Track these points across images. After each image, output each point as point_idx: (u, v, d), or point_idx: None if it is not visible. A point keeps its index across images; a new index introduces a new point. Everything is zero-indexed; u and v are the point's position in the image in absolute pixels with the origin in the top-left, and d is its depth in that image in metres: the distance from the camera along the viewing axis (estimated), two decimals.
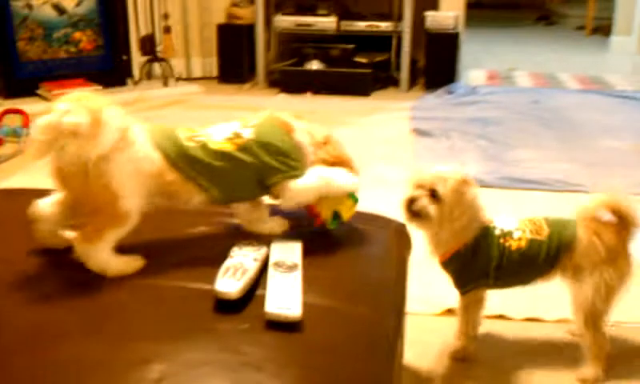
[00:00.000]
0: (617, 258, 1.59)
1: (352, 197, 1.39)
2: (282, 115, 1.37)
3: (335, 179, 1.35)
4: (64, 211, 1.24)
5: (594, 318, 1.62)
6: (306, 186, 1.32)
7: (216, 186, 1.26)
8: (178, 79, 4.88)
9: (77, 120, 1.11)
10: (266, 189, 1.33)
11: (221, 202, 1.32)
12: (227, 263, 1.15)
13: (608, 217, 1.62)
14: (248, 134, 1.29)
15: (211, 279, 1.10)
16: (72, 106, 1.12)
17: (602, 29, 7.27)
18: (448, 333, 1.81)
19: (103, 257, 1.18)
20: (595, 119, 4.05)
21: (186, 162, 1.24)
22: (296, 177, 1.31)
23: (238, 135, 1.29)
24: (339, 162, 1.39)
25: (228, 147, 1.27)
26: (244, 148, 1.28)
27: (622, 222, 1.61)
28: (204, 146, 1.26)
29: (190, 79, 5.03)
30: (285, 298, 1.07)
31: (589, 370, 1.65)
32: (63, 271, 1.19)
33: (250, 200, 1.36)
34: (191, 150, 1.24)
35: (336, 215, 1.38)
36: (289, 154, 1.32)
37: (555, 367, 1.71)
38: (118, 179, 1.16)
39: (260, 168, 1.29)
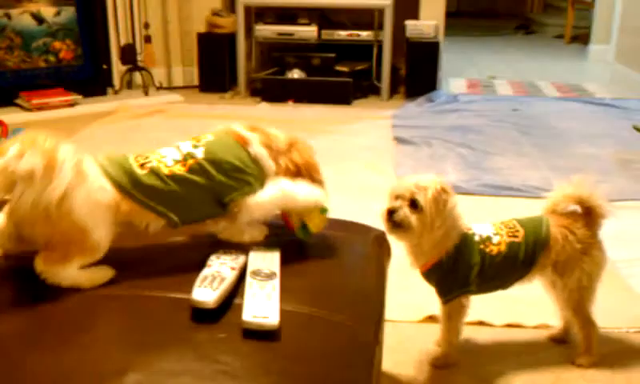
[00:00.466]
0: (590, 248, 1.66)
1: (321, 209, 1.37)
2: (237, 128, 1.35)
3: (297, 193, 1.32)
4: (4, 237, 1.21)
5: (580, 308, 1.69)
6: (264, 200, 1.30)
7: (173, 211, 1.25)
8: (159, 88, 4.87)
9: (31, 165, 1.08)
10: (225, 206, 1.30)
11: (180, 225, 1.29)
12: (204, 272, 1.14)
13: (574, 208, 1.68)
14: (200, 154, 1.27)
15: (189, 288, 1.09)
16: (24, 149, 1.09)
17: (581, 37, 7.35)
18: (429, 340, 1.81)
19: (71, 274, 1.16)
20: (574, 127, 4.09)
21: (139, 190, 1.22)
22: (252, 192, 1.29)
23: (189, 156, 1.27)
24: (303, 169, 1.36)
25: (179, 170, 1.25)
26: (196, 169, 1.26)
27: (590, 214, 1.67)
28: (156, 172, 1.23)
29: (171, 88, 5.02)
30: (262, 306, 1.06)
31: (584, 357, 1.72)
32: (33, 281, 1.17)
33: (210, 219, 1.33)
34: (143, 177, 1.22)
35: (304, 226, 1.36)
36: (244, 168, 1.29)
37: (536, 372, 1.71)
38: (83, 213, 1.14)
39: (214, 187, 1.27)
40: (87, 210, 1.15)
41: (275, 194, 1.31)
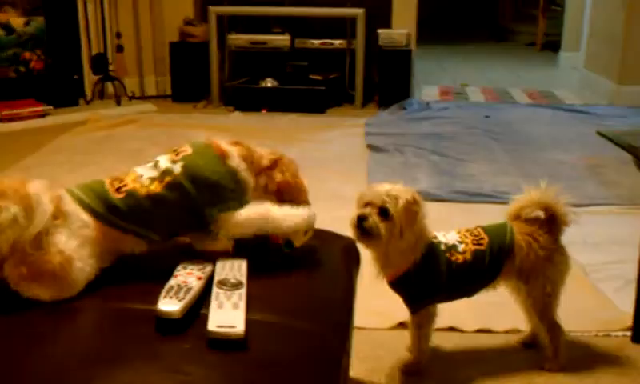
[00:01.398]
0: (554, 255, 1.68)
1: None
2: (219, 141, 1.33)
3: (281, 220, 1.31)
4: None
5: (546, 313, 1.70)
6: (244, 220, 1.29)
7: (152, 230, 1.25)
8: (131, 98, 4.84)
9: (11, 214, 1.09)
10: (204, 222, 1.29)
11: (161, 242, 1.29)
12: (170, 282, 1.14)
13: (538, 214, 1.70)
14: (177, 169, 1.26)
15: (155, 299, 1.08)
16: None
17: (552, 45, 7.45)
18: (400, 347, 1.81)
19: (36, 291, 1.14)
20: (545, 133, 4.15)
21: (117, 215, 1.22)
22: (230, 208, 1.28)
23: (167, 172, 1.26)
24: (285, 190, 1.35)
25: (156, 188, 1.24)
26: (173, 185, 1.25)
27: (554, 220, 1.69)
28: (132, 195, 1.23)
29: (143, 98, 4.99)
30: (228, 316, 1.05)
31: (551, 362, 1.74)
32: None
33: (191, 232, 1.33)
34: (119, 202, 1.23)
35: (288, 243, 1.36)
36: (222, 184, 1.28)
37: (506, 377, 1.72)
38: (67, 249, 1.15)
39: (191, 203, 1.26)
40: (71, 247, 1.15)
41: (256, 217, 1.29)
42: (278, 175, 1.35)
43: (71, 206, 1.20)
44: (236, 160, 1.31)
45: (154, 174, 1.26)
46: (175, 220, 1.27)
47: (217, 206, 1.27)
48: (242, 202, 1.30)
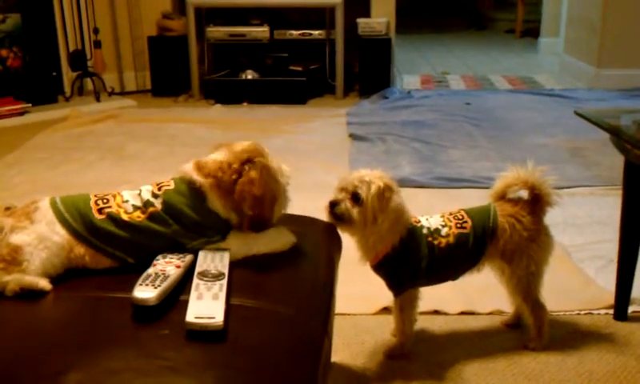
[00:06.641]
0: (537, 235, 1.68)
1: None
2: (191, 174, 1.29)
3: (260, 249, 1.31)
4: None
5: (529, 293, 1.71)
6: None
7: (130, 255, 1.24)
8: (111, 94, 4.80)
9: None
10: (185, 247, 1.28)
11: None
12: (148, 271, 1.13)
13: (522, 193, 1.70)
14: (158, 205, 1.26)
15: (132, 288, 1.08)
16: None
17: (531, 31, 7.48)
18: (385, 331, 1.82)
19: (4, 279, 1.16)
20: (526, 117, 4.17)
21: (96, 235, 1.23)
22: (211, 242, 1.27)
23: (149, 204, 1.26)
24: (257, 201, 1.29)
25: (139, 217, 1.25)
26: (155, 217, 1.25)
27: (538, 201, 1.69)
28: (113, 218, 1.24)
29: (123, 93, 4.95)
30: (207, 307, 1.04)
31: (535, 341, 1.75)
32: None
33: None
34: (101, 223, 1.23)
35: None
36: (201, 221, 1.27)
37: (490, 357, 1.73)
38: (20, 239, 1.18)
39: (172, 235, 1.26)
40: (22, 239, 1.18)
41: (238, 250, 1.29)
42: (238, 187, 1.29)
43: (46, 217, 1.22)
44: (213, 202, 1.29)
45: (138, 202, 1.27)
46: (153, 247, 1.25)
47: (197, 240, 1.27)
48: (223, 235, 1.29)
